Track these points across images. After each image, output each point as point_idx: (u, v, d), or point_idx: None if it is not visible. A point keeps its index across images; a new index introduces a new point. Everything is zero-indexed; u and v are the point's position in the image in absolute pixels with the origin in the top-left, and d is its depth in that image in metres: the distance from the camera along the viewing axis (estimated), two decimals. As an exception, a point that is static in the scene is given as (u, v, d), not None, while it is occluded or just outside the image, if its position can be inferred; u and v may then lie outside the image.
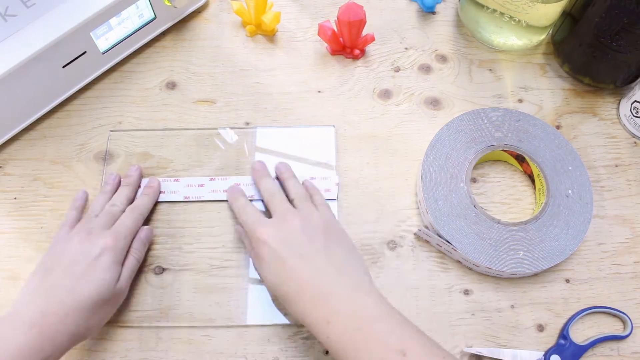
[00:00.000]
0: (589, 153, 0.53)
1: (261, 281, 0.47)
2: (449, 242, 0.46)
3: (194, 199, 0.50)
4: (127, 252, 0.45)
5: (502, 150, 0.50)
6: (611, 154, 0.53)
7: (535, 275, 0.48)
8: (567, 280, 0.48)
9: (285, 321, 0.46)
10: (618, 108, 0.55)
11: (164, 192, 0.51)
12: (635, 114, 0.53)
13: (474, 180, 0.51)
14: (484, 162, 0.52)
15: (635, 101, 0.52)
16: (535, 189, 0.51)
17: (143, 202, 0.48)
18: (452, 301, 0.47)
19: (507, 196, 0.51)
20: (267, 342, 0.45)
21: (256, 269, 0.46)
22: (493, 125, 0.51)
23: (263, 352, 0.45)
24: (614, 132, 0.54)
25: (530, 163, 0.50)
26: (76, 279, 0.40)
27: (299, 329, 0.46)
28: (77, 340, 0.40)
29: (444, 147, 0.50)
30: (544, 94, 0.56)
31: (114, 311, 0.44)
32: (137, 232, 0.46)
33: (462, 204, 0.48)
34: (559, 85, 0.57)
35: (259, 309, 0.46)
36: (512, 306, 0.47)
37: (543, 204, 0.48)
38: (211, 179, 0.51)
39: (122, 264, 0.44)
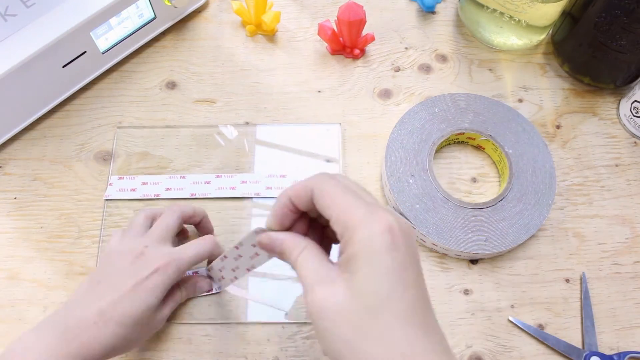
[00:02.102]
0: (589, 153, 0.53)
1: None
2: (414, 226, 0.47)
3: (200, 196, 0.50)
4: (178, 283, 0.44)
5: (465, 133, 0.51)
6: (611, 153, 0.53)
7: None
8: (567, 280, 0.48)
9: (285, 320, 0.46)
10: (618, 108, 0.55)
11: (170, 189, 0.51)
12: (635, 114, 0.53)
13: (438, 163, 0.52)
14: (448, 145, 0.53)
15: (635, 101, 0.52)
16: (498, 168, 0.52)
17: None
18: (452, 301, 0.47)
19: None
20: (267, 342, 0.45)
21: None
22: (458, 111, 0.52)
23: (263, 351, 0.45)
24: (614, 131, 0.54)
25: (492, 144, 0.51)
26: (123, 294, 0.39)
27: (299, 329, 0.46)
28: (112, 353, 0.38)
29: (408, 127, 0.51)
30: (544, 93, 0.56)
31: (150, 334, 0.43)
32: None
33: (427, 186, 0.48)
34: (559, 85, 0.57)
35: (259, 308, 0.46)
36: (512, 306, 0.47)
37: (507, 183, 0.49)
38: (217, 176, 0.51)
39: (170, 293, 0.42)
